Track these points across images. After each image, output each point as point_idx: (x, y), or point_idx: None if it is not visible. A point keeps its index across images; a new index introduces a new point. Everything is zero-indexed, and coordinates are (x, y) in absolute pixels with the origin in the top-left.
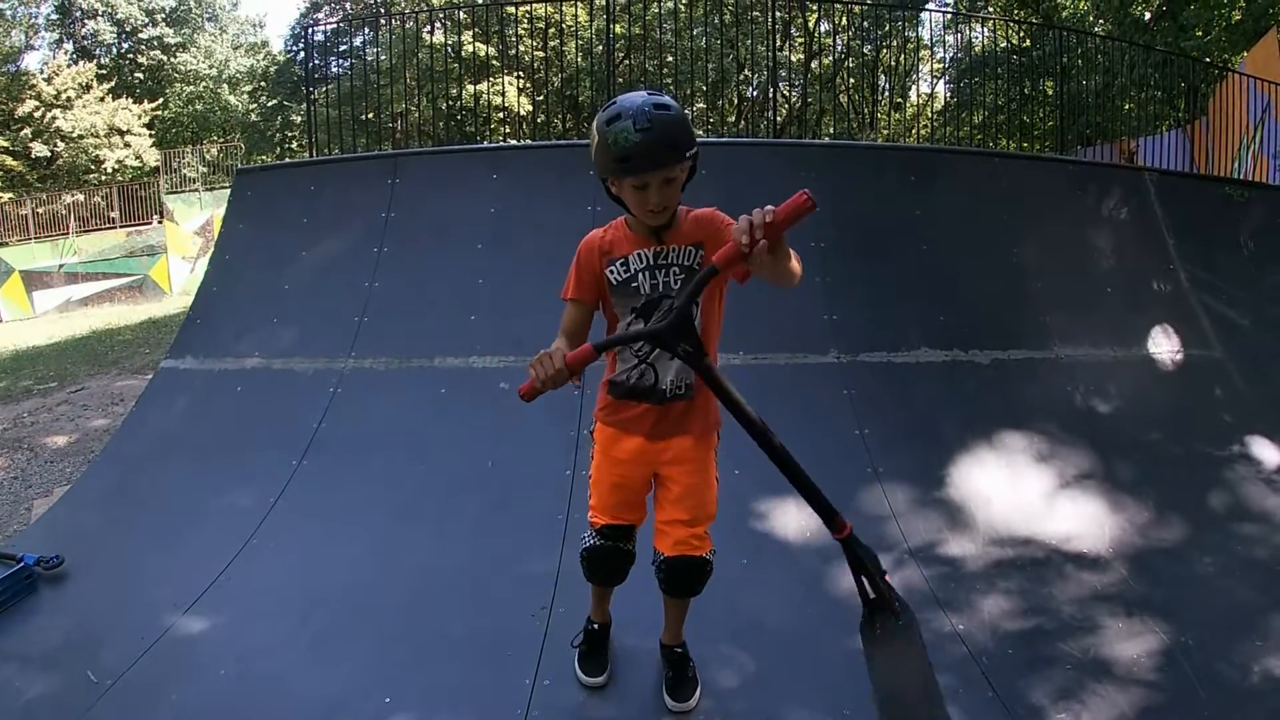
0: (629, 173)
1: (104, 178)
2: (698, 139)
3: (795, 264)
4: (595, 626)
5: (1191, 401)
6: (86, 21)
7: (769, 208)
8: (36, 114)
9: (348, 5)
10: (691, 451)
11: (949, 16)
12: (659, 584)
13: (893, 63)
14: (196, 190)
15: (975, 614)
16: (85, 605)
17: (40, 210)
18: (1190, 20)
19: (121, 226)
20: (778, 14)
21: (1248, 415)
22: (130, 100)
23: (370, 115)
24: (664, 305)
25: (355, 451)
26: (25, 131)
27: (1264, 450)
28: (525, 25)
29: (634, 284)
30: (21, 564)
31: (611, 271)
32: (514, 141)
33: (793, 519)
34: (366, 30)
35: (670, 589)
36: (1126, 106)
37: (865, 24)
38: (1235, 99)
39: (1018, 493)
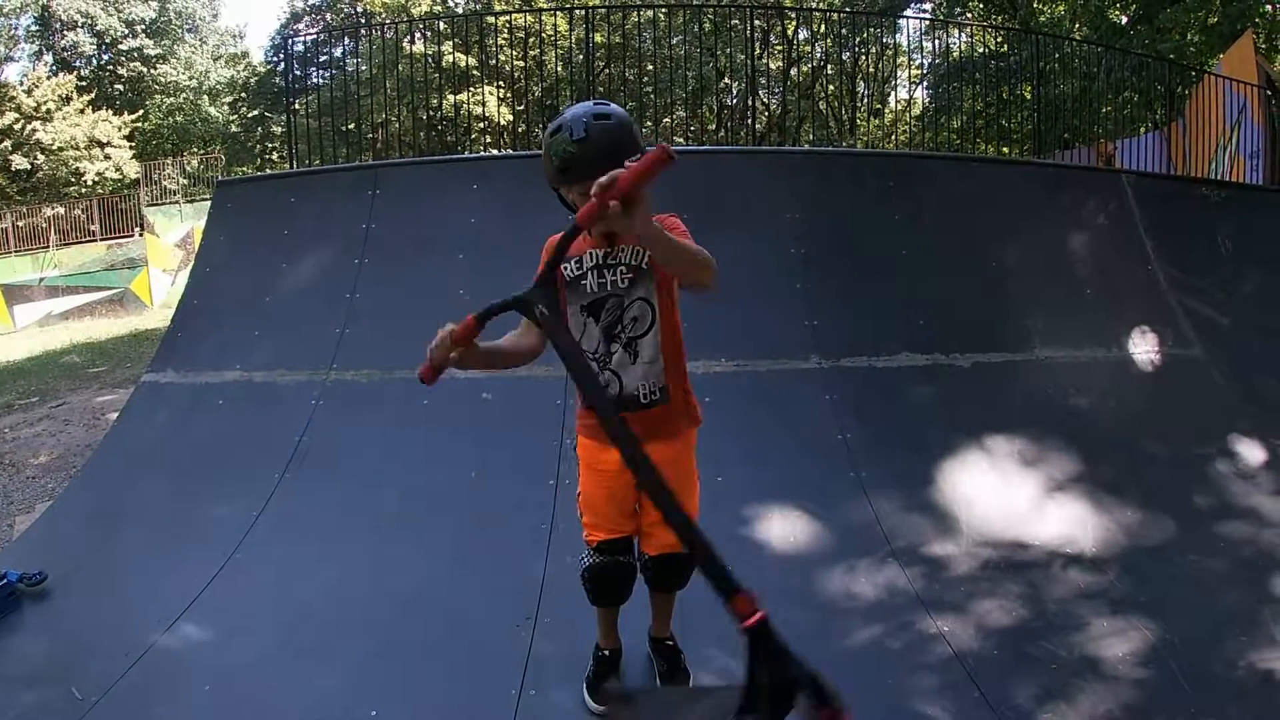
0: (571, 182)
1: (84, 190)
2: (678, 147)
3: (691, 250)
4: (606, 653)
5: (1172, 401)
6: (66, 33)
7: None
8: (16, 126)
9: (328, 16)
10: (671, 455)
11: (927, 23)
12: (645, 580)
13: (871, 69)
14: (177, 202)
15: (960, 615)
16: (69, 621)
17: (20, 223)
18: (1167, 23)
19: (102, 239)
20: (757, 22)
21: (1228, 414)
22: (110, 112)
23: (351, 126)
24: (610, 304)
25: (338, 464)
26: (5, 144)
27: (1245, 448)
28: (505, 35)
29: (583, 282)
30: (4, 580)
31: (566, 269)
32: (495, 151)
33: (777, 524)
34: (347, 41)
35: (656, 584)
36: (1104, 110)
37: (844, 31)
38: (1212, 101)
39: (1001, 494)
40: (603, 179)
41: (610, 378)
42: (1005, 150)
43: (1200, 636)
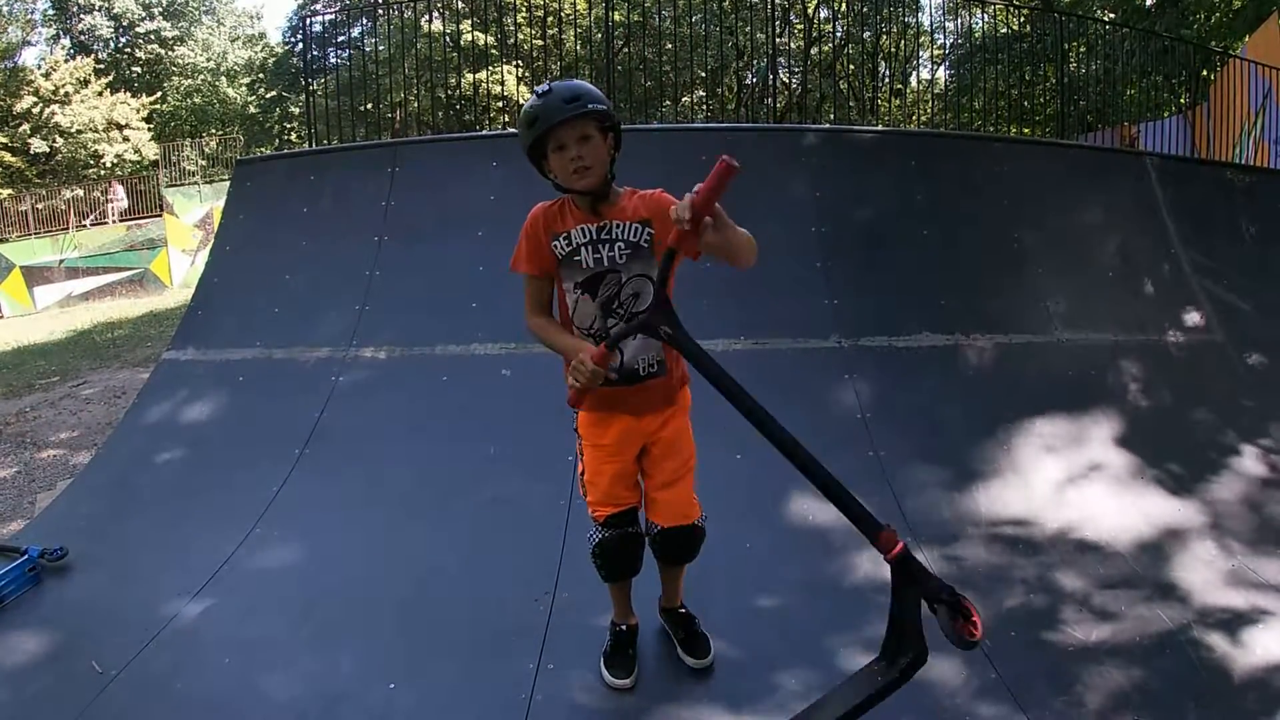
0: (539, 131)
1: (103, 172)
2: (698, 124)
3: (745, 239)
4: (623, 628)
5: (1193, 385)
6: (83, 16)
7: (698, 186)
8: (35, 110)
9: None
10: (674, 417)
11: (949, 2)
12: (655, 554)
13: (893, 49)
14: (196, 183)
15: (978, 596)
16: (89, 596)
17: (40, 206)
18: (1192, 6)
19: (121, 220)
20: (777, 0)
21: (1248, 399)
22: (128, 94)
23: (369, 105)
24: (608, 279)
25: (357, 440)
26: (24, 127)
27: (1265, 434)
28: (524, 13)
29: (576, 258)
30: (26, 556)
31: (556, 246)
32: (513, 130)
33: (794, 503)
34: (364, 20)
35: (666, 557)
36: (1128, 92)
37: (864, 10)
38: (1236, 85)
39: (1020, 476)
40: (681, 206)
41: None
42: (1027, 131)
43: (1216, 622)
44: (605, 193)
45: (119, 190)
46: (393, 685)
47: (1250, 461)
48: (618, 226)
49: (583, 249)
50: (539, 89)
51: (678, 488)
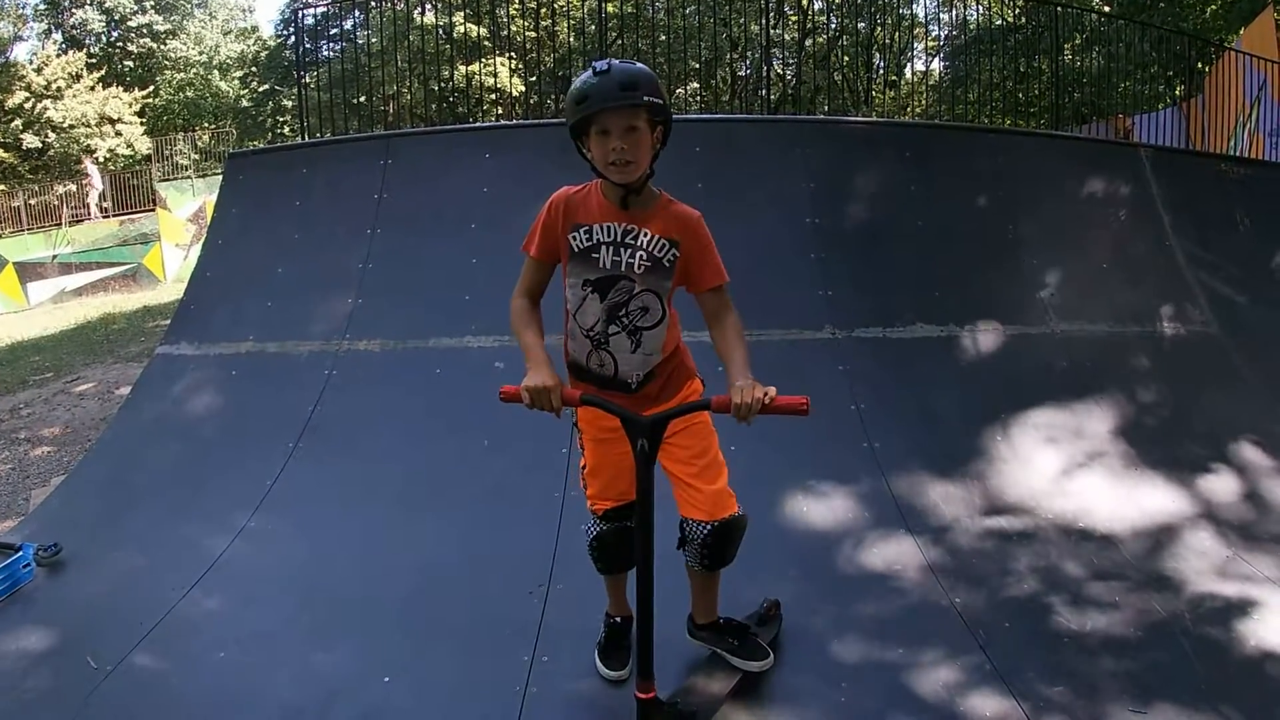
0: (587, 111)
1: (96, 167)
2: (691, 117)
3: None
4: (617, 620)
5: (1186, 376)
6: (75, 10)
7: (772, 390)
8: (27, 105)
9: None
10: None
11: None
12: (697, 558)
13: (887, 40)
14: (189, 177)
15: (972, 587)
16: (84, 592)
17: (32, 201)
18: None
19: (115, 215)
20: None
21: (1242, 390)
22: (121, 89)
23: (362, 98)
24: (621, 285)
25: (351, 433)
26: (15, 123)
27: (1259, 425)
28: (517, 5)
29: (594, 255)
30: (20, 552)
31: (574, 238)
32: (505, 122)
33: (789, 496)
34: (357, 13)
35: (708, 559)
36: (1123, 84)
37: (859, 1)
38: (1231, 77)
39: (1014, 467)
40: (757, 398)
41: (606, 358)
42: (1022, 123)
43: (1211, 613)
44: (640, 188)
45: (89, 167)
46: (388, 678)
47: (1245, 452)
48: (645, 235)
49: (604, 248)
50: (598, 65)
51: (703, 479)
